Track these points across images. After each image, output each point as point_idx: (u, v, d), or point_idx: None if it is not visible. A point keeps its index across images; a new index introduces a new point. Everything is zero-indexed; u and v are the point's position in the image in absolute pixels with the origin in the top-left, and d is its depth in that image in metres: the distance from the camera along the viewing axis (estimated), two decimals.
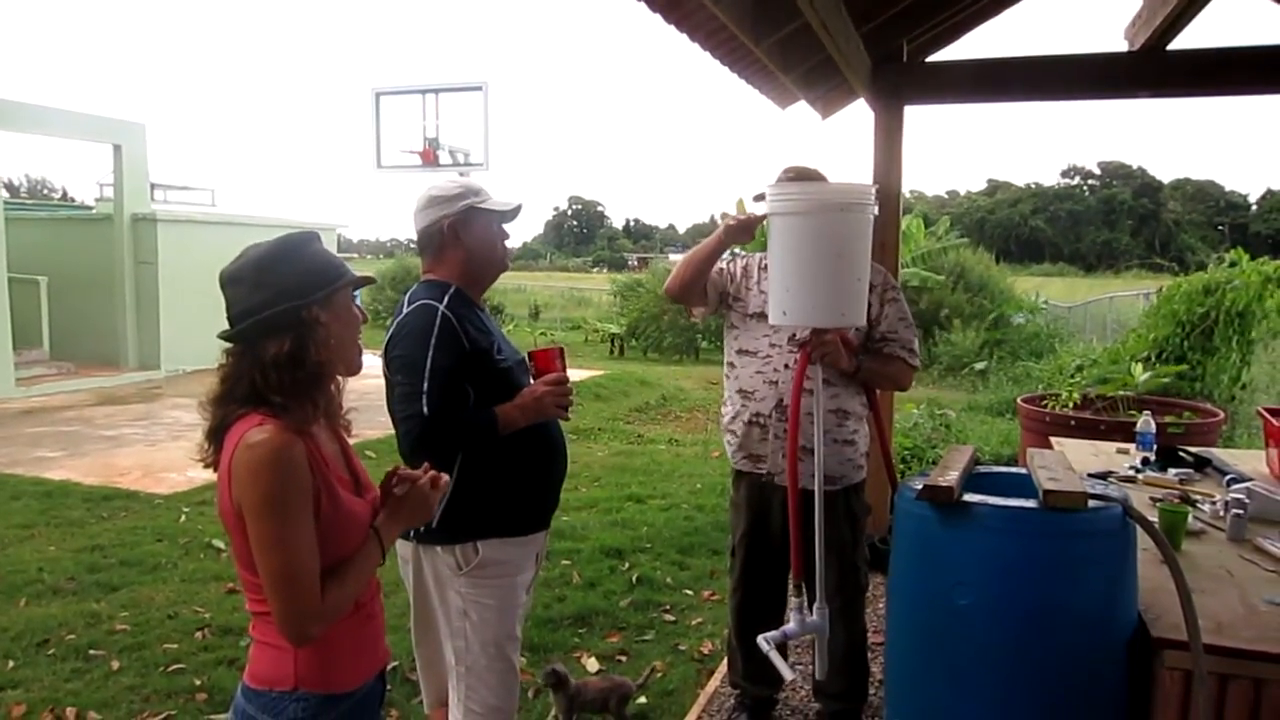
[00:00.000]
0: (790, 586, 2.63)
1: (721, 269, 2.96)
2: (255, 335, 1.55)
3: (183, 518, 5.79)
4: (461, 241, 2.30)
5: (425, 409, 2.12)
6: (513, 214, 2.38)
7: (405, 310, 2.23)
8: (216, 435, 1.57)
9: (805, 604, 2.58)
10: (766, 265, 2.94)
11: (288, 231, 1.66)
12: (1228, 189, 72.54)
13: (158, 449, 7.91)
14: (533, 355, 2.37)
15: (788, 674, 2.49)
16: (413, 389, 2.13)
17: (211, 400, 1.58)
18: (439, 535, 2.22)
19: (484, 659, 2.26)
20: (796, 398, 2.61)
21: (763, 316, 2.81)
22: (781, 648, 3.15)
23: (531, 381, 2.32)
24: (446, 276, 2.31)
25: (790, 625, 2.60)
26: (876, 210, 2.49)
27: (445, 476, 1.77)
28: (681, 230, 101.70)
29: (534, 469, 2.35)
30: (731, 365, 2.97)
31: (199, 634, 3.98)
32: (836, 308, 2.47)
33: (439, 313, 2.18)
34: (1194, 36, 4.47)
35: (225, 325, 1.59)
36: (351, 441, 1.79)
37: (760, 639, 2.49)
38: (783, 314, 2.51)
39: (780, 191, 2.48)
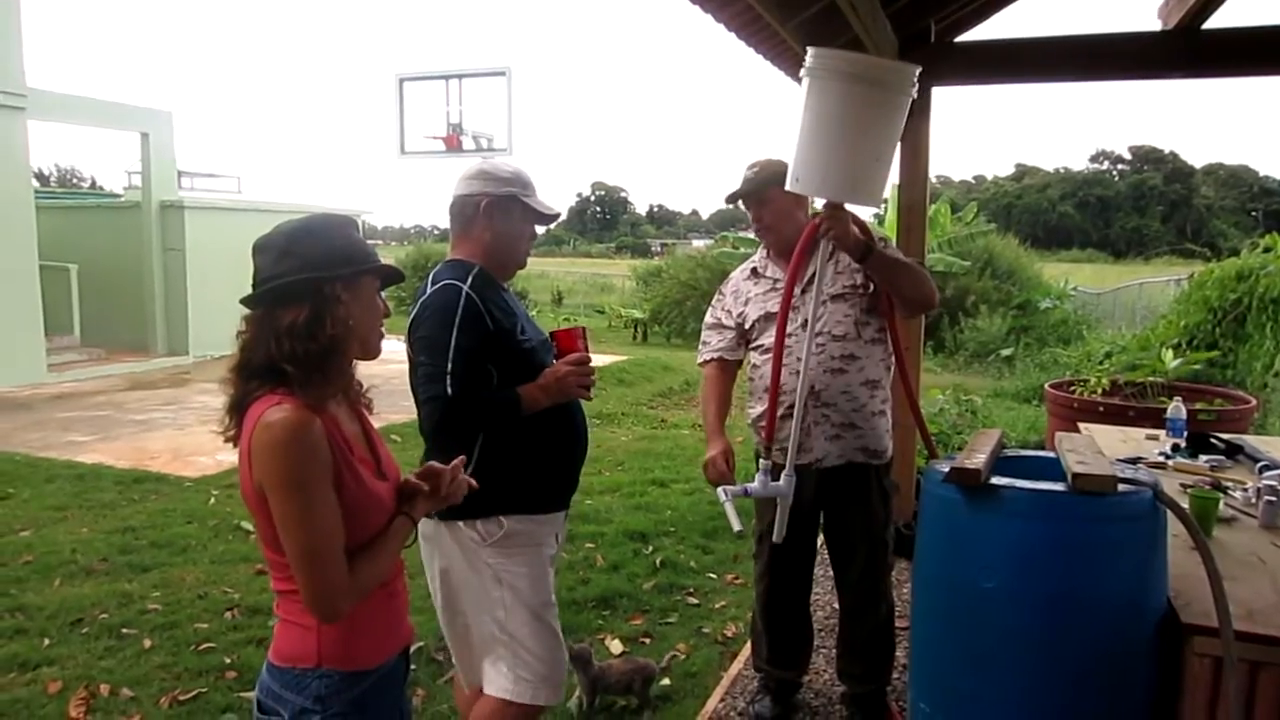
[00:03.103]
0: (760, 449, 2.70)
1: (725, 327, 3.00)
2: (274, 301, 1.56)
3: (211, 500, 5.87)
4: (492, 224, 2.30)
5: (449, 390, 2.12)
6: (549, 219, 2.40)
7: (429, 290, 2.24)
8: (237, 410, 1.58)
9: (770, 468, 2.66)
10: (750, 271, 3.00)
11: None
12: (1262, 174, 71.18)
13: (186, 433, 8.02)
14: (555, 335, 2.37)
15: (737, 525, 2.54)
16: (436, 369, 2.14)
17: (232, 369, 1.59)
18: (460, 510, 2.20)
19: (527, 627, 2.27)
20: (798, 259, 2.61)
21: (769, 316, 2.83)
22: (806, 633, 3.18)
23: (554, 362, 2.32)
24: (470, 256, 2.32)
25: (754, 485, 2.66)
26: (914, 94, 2.40)
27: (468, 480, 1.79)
28: (705, 216, 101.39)
29: (555, 448, 2.35)
30: (755, 366, 2.96)
31: (228, 614, 4.04)
32: (848, 182, 2.40)
33: (462, 293, 2.19)
34: (1229, 15, 4.39)
35: None
36: (377, 425, 1.80)
37: (719, 490, 2.62)
38: (795, 180, 2.46)
39: (815, 55, 2.40)
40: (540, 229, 2.45)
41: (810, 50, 2.40)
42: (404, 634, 1.77)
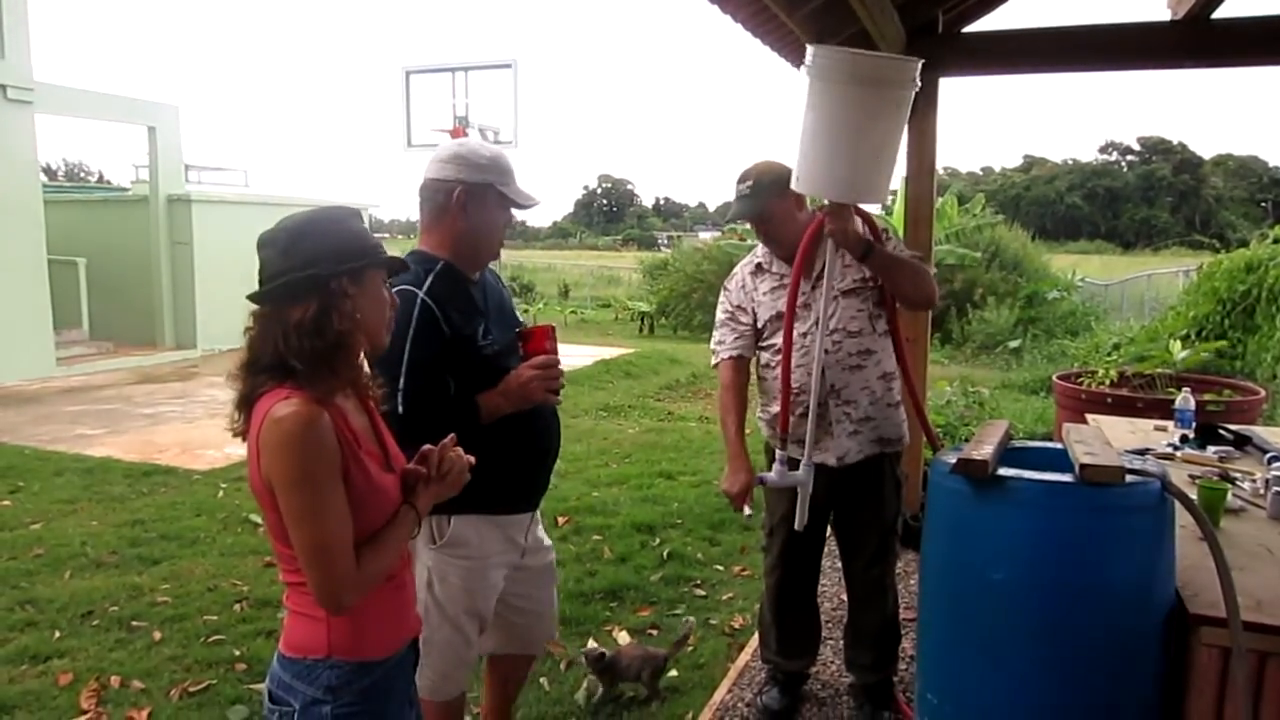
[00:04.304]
0: (778, 442, 2.76)
1: (739, 322, 2.94)
2: (281, 298, 1.56)
3: (220, 493, 5.89)
4: (466, 214, 2.18)
5: (400, 407, 2.03)
6: (527, 207, 2.29)
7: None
8: (245, 405, 1.58)
9: (786, 459, 2.74)
10: (755, 267, 2.97)
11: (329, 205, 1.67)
12: (1272, 164, 70.89)
13: (195, 426, 8.05)
14: (522, 335, 2.25)
15: (747, 509, 2.78)
16: (388, 386, 2.04)
17: (240, 366, 1.59)
18: None
19: (443, 631, 2.25)
20: (801, 263, 2.64)
21: (781, 316, 2.78)
22: (814, 624, 3.19)
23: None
24: (437, 248, 2.22)
25: (770, 475, 2.71)
26: (917, 86, 2.38)
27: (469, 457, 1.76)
28: (711, 208, 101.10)
29: (517, 450, 2.26)
30: (768, 366, 2.92)
31: (237, 606, 4.06)
32: (849, 182, 2.40)
33: (418, 300, 2.08)
34: (1238, 5, 4.35)
35: None
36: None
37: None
38: (797, 179, 2.46)
39: (816, 54, 2.37)
40: (518, 213, 2.33)
41: (810, 49, 2.39)
42: (412, 625, 1.78)
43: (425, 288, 2.11)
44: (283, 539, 1.56)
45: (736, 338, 2.94)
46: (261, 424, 1.52)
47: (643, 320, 18.91)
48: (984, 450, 2.12)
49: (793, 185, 2.50)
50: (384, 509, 1.63)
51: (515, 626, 2.51)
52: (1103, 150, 78.91)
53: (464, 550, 2.23)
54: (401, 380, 2.04)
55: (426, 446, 1.75)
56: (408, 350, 2.05)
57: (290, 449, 1.49)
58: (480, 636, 2.38)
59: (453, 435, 1.78)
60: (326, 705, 1.59)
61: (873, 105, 2.33)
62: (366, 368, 1.74)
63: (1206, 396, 5.47)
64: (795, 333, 2.76)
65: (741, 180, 2.79)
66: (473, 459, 1.77)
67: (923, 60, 2.43)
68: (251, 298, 1.59)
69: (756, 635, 3.40)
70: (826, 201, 2.56)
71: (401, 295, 2.05)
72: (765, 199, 2.74)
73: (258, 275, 1.59)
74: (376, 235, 1.71)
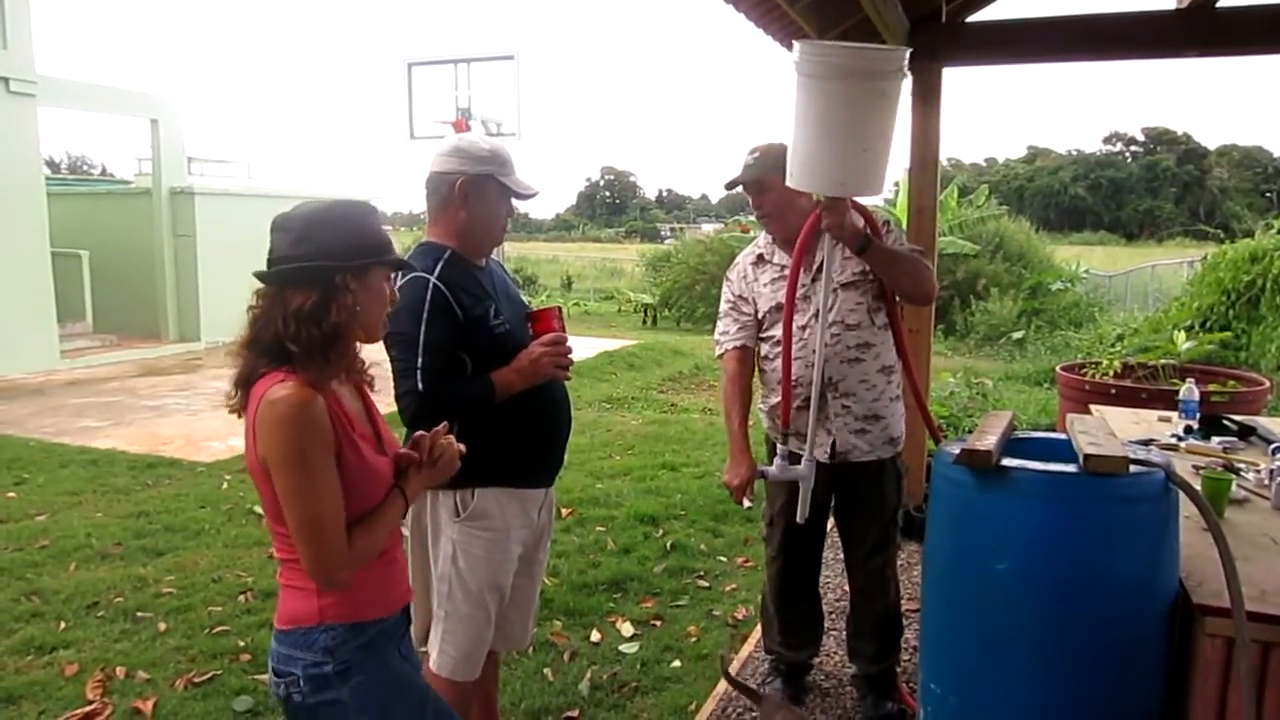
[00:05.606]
0: (779, 435, 2.78)
1: (741, 312, 2.93)
2: (285, 282, 1.61)
3: (224, 485, 5.91)
4: (468, 205, 2.28)
5: (420, 385, 2.16)
6: (527, 197, 2.38)
7: (399, 283, 2.19)
8: (244, 384, 1.64)
9: (788, 453, 2.76)
10: (757, 258, 2.95)
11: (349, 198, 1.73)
12: (1277, 154, 70.55)
13: (199, 419, 8.06)
14: (530, 316, 2.38)
15: (747, 502, 2.80)
16: (408, 365, 2.16)
17: (241, 344, 1.64)
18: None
19: (465, 606, 2.30)
20: (799, 256, 2.66)
21: (781, 308, 2.78)
22: (817, 614, 3.19)
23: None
24: (443, 238, 2.32)
25: (771, 468, 2.72)
26: (905, 76, 2.36)
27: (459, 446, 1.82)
28: (714, 200, 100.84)
29: (533, 423, 2.36)
30: (767, 358, 2.93)
31: (242, 597, 4.08)
32: (837, 176, 2.41)
33: (430, 285, 2.19)
34: None
35: None
36: (384, 410, 1.85)
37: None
38: (791, 175, 2.47)
39: (799, 50, 2.37)
40: (520, 205, 2.43)
41: (795, 45, 2.39)
42: (403, 593, 1.83)
43: (436, 273, 2.22)
44: (277, 517, 1.61)
45: (740, 328, 2.94)
46: (259, 406, 1.57)
47: (646, 312, 18.92)
48: (987, 441, 2.12)
49: (787, 181, 2.49)
50: (376, 489, 1.68)
51: (504, 620, 2.50)
52: (1107, 141, 78.61)
53: (486, 522, 2.30)
54: (419, 359, 2.16)
55: (419, 433, 1.81)
56: (423, 331, 2.17)
57: (285, 429, 1.54)
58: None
59: (445, 424, 1.84)
60: (327, 665, 1.65)
61: (859, 97, 2.32)
62: (364, 354, 1.78)
63: (1211, 387, 5.46)
64: (794, 325, 2.75)
65: (750, 152, 2.80)
66: (463, 447, 1.83)
67: (910, 49, 2.43)
68: (259, 275, 1.63)
69: (759, 626, 3.40)
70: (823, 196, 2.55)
71: (414, 281, 2.18)
72: (768, 169, 2.72)
73: (268, 255, 1.63)
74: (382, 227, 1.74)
